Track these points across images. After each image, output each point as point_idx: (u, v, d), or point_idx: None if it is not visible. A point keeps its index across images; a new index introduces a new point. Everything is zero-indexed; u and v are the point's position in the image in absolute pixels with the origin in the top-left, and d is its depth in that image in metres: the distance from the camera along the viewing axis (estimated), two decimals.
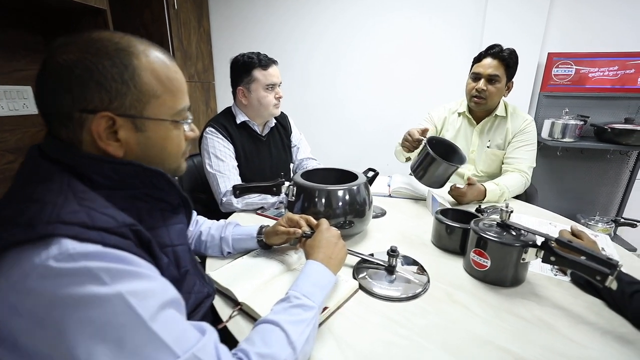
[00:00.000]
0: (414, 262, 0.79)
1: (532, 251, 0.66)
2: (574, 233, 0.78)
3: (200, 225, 0.86)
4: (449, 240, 0.85)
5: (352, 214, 0.88)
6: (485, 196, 1.21)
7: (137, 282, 0.38)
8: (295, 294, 0.53)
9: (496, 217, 0.75)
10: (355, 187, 0.89)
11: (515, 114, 1.39)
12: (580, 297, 0.68)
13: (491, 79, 1.29)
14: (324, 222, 0.70)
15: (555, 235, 0.92)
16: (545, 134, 1.93)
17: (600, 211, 2.11)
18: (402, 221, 1.06)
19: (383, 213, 1.11)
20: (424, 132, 1.16)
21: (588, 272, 0.58)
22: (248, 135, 1.31)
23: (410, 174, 1.26)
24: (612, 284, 0.56)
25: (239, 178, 1.24)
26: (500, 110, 1.38)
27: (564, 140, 1.87)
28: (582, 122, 1.86)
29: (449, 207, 1.02)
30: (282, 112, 1.47)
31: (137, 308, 0.37)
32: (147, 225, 0.48)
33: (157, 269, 0.44)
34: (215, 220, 0.89)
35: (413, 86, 2.32)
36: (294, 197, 0.89)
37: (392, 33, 2.27)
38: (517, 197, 1.33)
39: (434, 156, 1.06)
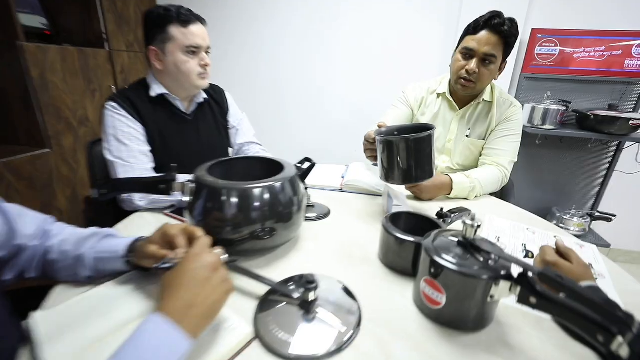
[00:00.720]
0: (346, 292, 0.57)
1: (504, 285, 0.46)
2: (558, 250, 0.58)
3: (51, 237, 0.60)
4: (397, 256, 0.64)
5: (274, 218, 0.65)
6: (451, 190, 1.01)
7: None
8: None
9: (464, 225, 0.54)
10: (278, 184, 0.66)
11: (502, 99, 1.17)
12: (567, 348, 0.48)
13: (486, 59, 1.03)
14: (199, 243, 0.46)
15: (535, 249, 0.74)
16: (524, 120, 1.76)
17: (577, 204, 1.99)
18: (349, 225, 0.84)
19: (326, 214, 0.89)
20: (379, 128, 0.88)
21: (585, 328, 0.38)
22: (167, 112, 1.04)
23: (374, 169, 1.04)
24: (621, 349, 0.36)
25: (151, 166, 0.98)
26: (486, 95, 1.15)
27: (544, 127, 1.70)
28: (564, 108, 1.69)
29: (405, 209, 0.81)
30: (216, 87, 1.21)
31: None
32: None
33: None
34: (80, 229, 0.63)
35: (387, 65, 2.07)
36: (191, 197, 0.65)
37: (364, 11, 2.00)
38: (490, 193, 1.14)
39: (383, 139, 0.78)
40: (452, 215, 0.72)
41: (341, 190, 1.06)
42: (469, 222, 0.50)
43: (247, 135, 1.25)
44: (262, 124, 2.24)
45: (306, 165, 0.78)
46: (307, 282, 0.50)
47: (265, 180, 0.66)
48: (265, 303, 0.54)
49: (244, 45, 2.20)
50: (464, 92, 1.12)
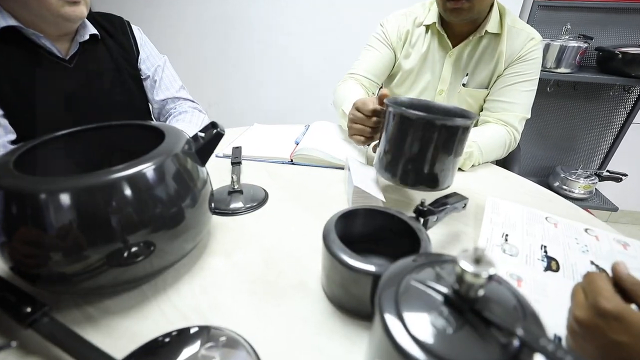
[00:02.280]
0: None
1: None
2: (618, 283, 0.33)
3: None
4: (344, 291, 0.38)
5: (148, 227, 0.38)
6: None
7: None
8: None
9: (459, 270, 0.28)
10: (150, 169, 0.38)
11: (516, 30, 0.82)
12: None
13: None
14: None
15: (559, 253, 0.48)
16: None
17: (584, 163, 1.75)
18: (288, 221, 0.58)
19: (260, 202, 0.62)
20: (382, 98, 0.58)
21: None
22: (27, 56, 0.70)
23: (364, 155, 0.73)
24: None
25: (10, 139, 0.67)
26: (492, 24, 0.81)
27: (558, 70, 1.39)
28: (585, 45, 1.36)
29: (373, 198, 0.54)
30: (116, 18, 0.86)
31: None
32: None
33: None
34: None
35: None
36: None
37: None
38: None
39: (410, 115, 0.48)
40: (439, 210, 0.45)
41: (291, 163, 0.78)
42: (469, 267, 0.23)
43: (171, 88, 0.93)
44: (212, 78, 1.87)
45: (214, 131, 0.49)
46: None
47: (126, 165, 0.37)
48: None
49: None
50: (455, 17, 0.77)
